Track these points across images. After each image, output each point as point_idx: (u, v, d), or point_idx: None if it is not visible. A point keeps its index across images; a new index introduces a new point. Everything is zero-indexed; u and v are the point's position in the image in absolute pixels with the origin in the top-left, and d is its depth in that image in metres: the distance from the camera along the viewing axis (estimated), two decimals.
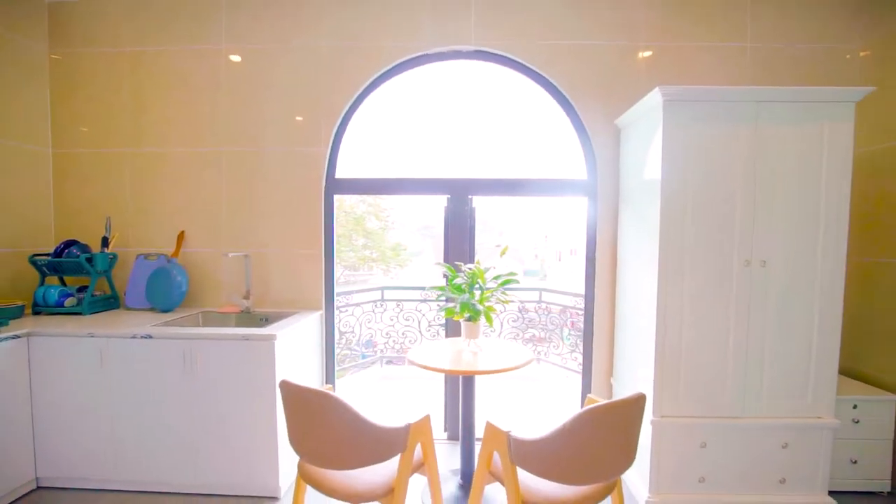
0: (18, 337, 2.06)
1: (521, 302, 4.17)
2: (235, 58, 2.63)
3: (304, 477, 1.52)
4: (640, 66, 2.53)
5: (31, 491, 2.17)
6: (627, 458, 1.37)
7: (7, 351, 2.02)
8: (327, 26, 2.58)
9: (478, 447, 1.75)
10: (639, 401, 1.33)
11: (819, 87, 1.98)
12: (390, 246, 10.74)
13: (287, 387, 1.41)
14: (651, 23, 2.53)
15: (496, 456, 1.53)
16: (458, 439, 2.60)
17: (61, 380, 2.11)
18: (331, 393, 1.37)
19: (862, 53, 2.47)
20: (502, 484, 1.47)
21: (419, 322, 4.04)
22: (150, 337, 2.07)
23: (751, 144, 1.92)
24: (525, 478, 1.48)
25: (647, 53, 2.52)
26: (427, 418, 1.54)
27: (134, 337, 2.07)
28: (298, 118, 2.62)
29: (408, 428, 1.43)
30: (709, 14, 2.52)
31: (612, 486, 1.49)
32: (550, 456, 1.33)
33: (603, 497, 1.46)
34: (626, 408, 1.31)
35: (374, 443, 1.39)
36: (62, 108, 2.71)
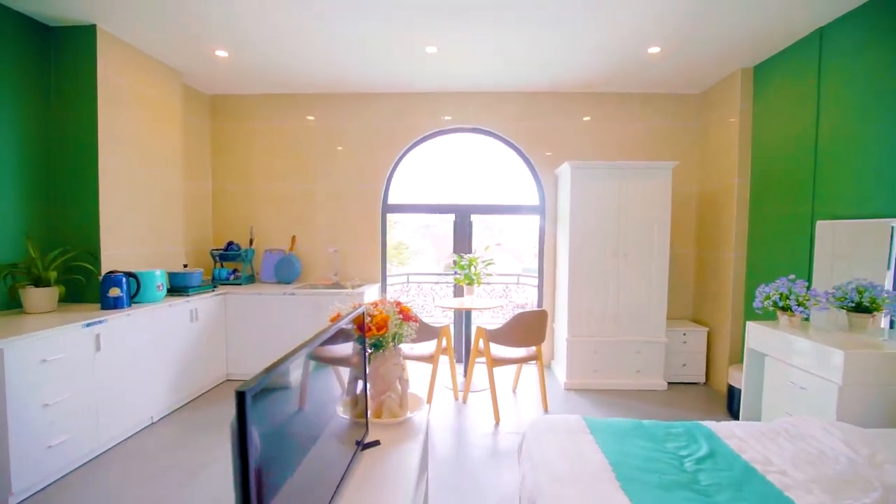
0: (220, 295, 3.76)
1: (506, 284, 5.87)
2: (322, 127, 4.33)
3: None
4: (572, 137, 4.23)
5: (223, 382, 3.86)
6: (539, 336, 3.08)
7: (215, 302, 3.72)
8: (382, 109, 4.29)
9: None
10: (542, 312, 3.05)
11: (650, 161, 3.72)
12: (393, 245, 12.29)
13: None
14: (586, 107, 4.22)
15: (481, 342, 3.23)
16: (462, 362, 4.30)
17: (243, 319, 3.80)
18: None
19: (700, 129, 4.19)
20: (484, 355, 3.16)
21: (433, 297, 5.75)
22: (294, 294, 3.77)
23: (617, 191, 3.63)
24: (493, 349, 3.19)
25: (579, 126, 4.23)
26: (448, 325, 3.25)
27: (284, 294, 3.77)
28: (365, 166, 4.32)
29: (440, 327, 3.14)
30: (618, 103, 4.21)
31: (535, 356, 3.19)
32: (504, 334, 3.04)
33: (531, 359, 3.17)
34: (535, 314, 3.03)
35: (425, 331, 3.10)
36: (218, 160, 4.41)
